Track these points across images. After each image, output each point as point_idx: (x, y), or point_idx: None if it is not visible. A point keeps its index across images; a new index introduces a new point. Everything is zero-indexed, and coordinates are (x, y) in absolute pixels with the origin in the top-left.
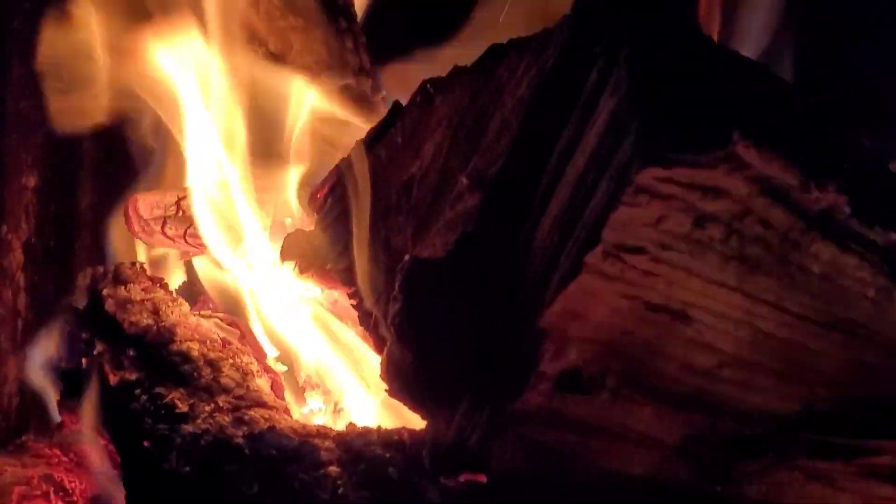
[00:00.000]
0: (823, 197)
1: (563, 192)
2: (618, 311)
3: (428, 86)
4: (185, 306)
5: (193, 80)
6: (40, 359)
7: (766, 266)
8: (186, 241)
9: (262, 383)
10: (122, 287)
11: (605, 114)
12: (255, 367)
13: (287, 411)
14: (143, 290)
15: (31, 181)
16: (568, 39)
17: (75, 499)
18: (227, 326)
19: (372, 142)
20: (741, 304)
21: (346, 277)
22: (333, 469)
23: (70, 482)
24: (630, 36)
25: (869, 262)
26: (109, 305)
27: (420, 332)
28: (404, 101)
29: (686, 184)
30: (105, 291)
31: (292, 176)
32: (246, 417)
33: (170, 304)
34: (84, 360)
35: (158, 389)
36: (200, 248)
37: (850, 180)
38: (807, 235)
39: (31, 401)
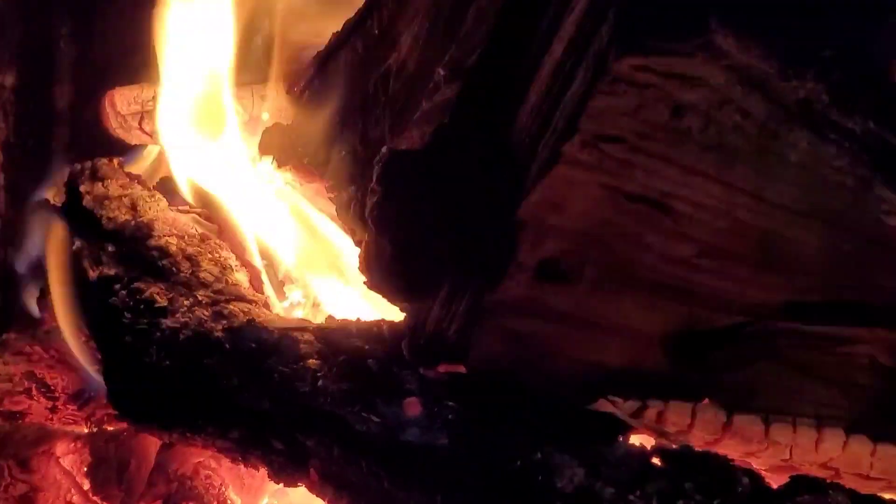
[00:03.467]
0: (802, 85)
1: (541, 81)
2: (596, 200)
3: None
4: (164, 202)
5: None
6: (20, 256)
7: (744, 155)
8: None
9: (240, 277)
10: (100, 183)
11: (582, 1)
12: (233, 261)
13: (266, 305)
14: (120, 186)
15: (9, 80)
16: None
17: (57, 395)
18: (206, 221)
19: (348, 33)
20: (719, 194)
21: (324, 170)
22: (313, 361)
23: (52, 378)
24: None
25: (847, 151)
26: (87, 201)
27: (398, 224)
28: None
29: (663, 72)
30: (83, 188)
31: (270, 69)
32: (225, 311)
33: (147, 199)
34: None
35: (137, 284)
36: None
37: (830, 68)
38: (785, 124)
39: (11, 298)
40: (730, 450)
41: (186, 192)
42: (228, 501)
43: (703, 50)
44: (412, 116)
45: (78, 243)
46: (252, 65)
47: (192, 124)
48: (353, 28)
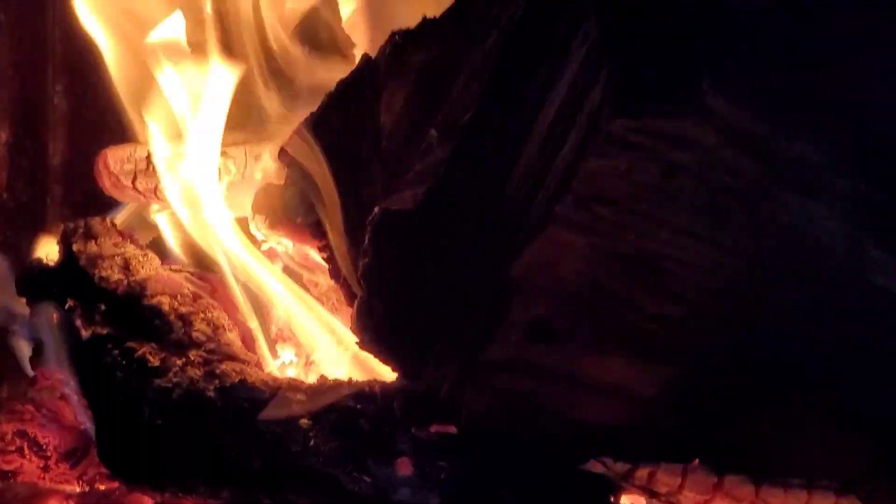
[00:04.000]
0: (793, 147)
1: (534, 142)
2: (588, 261)
3: (397, 37)
4: (156, 261)
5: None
6: (13, 314)
7: (735, 216)
8: (157, 196)
9: (233, 337)
10: (93, 242)
11: (575, 63)
12: (226, 320)
13: (259, 364)
14: (113, 244)
15: (3, 135)
16: None
17: (49, 453)
18: (198, 281)
19: (341, 94)
20: (711, 254)
21: (316, 231)
22: (305, 421)
23: (44, 437)
24: None
25: (838, 212)
26: (80, 260)
27: (390, 285)
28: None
29: (655, 134)
30: (76, 246)
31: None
32: (217, 371)
33: (140, 258)
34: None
35: (130, 344)
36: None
37: (821, 129)
38: (776, 185)
39: (3, 357)
40: None
41: (179, 250)
42: None
43: (695, 111)
44: (404, 177)
45: (70, 302)
46: (245, 124)
47: (186, 183)
48: (346, 88)
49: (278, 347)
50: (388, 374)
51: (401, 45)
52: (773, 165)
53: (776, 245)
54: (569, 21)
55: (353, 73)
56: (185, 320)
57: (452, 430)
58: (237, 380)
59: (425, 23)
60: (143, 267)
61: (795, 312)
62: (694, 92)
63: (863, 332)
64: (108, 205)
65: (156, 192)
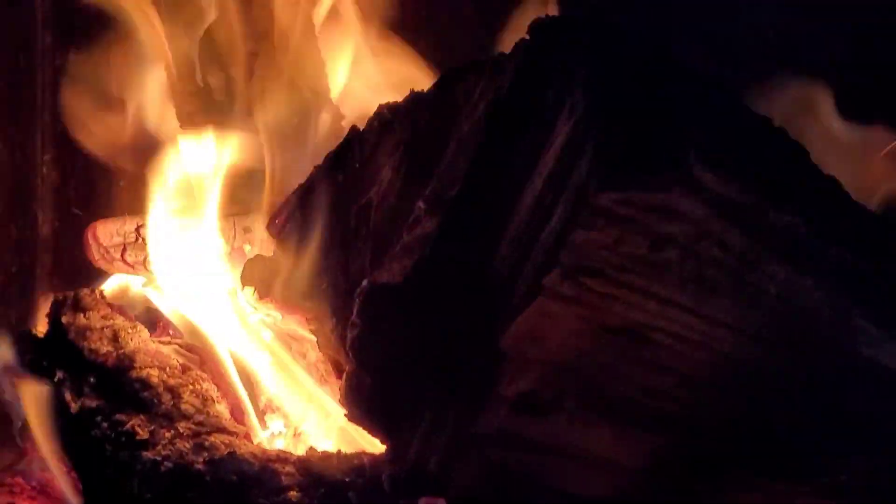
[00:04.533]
0: (780, 218)
1: (521, 214)
2: (576, 333)
3: (385, 110)
4: (145, 333)
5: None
6: (2, 386)
7: (722, 287)
8: (146, 268)
9: (221, 409)
10: (82, 314)
11: (562, 136)
12: (214, 392)
13: (248, 436)
14: (102, 317)
15: None
16: (524, 61)
17: None
18: (187, 352)
19: (329, 167)
20: (698, 326)
21: (305, 302)
22: (294, 494)
23: None
24: (586, 57)
25: (825, 283)
26: (69, 333)
27: (379, 357)
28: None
29: (643, 206)
30: (65, 319)
31: (253, 202)
32: (206, 443)
33: (129, 330)
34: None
35: (119, 416)
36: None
37: (807, 201)
38: (763, 257)
39: None
40: None
41: (168, 322)
42: None
43: (682, 183)
44: (393, 249)
45: (59, 374)
46: (234, 196)
47: (174, 256)
48: (334, 160)
49: (267, 418)
50: (376, 445)
51: (388, 118)
52: (761, 237)
53: (763, 316)
54: (556, 94)
55: (341, 144)
56: (174, 392)
57: (442, 501)
58: (226, 452)
59: (413, 96)
60: (131, 339)
61: (783, 383)
62: (680, 164)
63: (851, 402)
64: (97, 276)
65: (144, 264)
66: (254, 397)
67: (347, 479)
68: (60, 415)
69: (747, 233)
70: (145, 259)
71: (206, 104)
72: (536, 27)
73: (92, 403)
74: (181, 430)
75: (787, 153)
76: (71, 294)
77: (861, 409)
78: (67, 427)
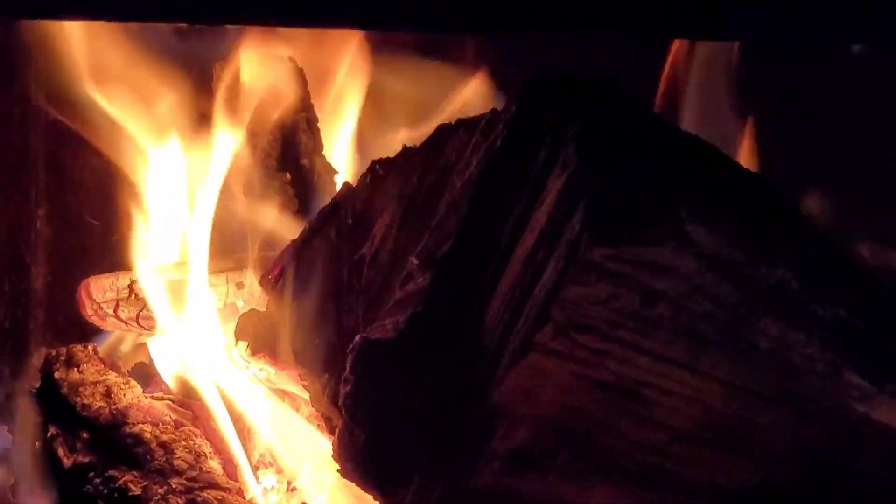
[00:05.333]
0: (772, 273)
1: (513, 270)
2: (568, 389)
3: (377, 166)
4: (138, 388)
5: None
6: None
7: (715, 342)
8: (139, 324)
9: (214, 465)
10: (75, 369)
11: (553, 192)
12: (207, 448)
13: (240, 492)
14: (95, 372)
15: None
16: (516, 118)
17: None
18: (180, 408)
19: (321, 223)
20: (691, 381)
21: (298, 358)
22: None
23: None
24: (578, 114)
25: (817, 338)
26: (62, 388)
27: (371, 413)
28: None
29: (634, 261)
30: (57, 374)
31: (246, 257)
32: (199, 499)
33: (122, 386)
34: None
35: (111, 472)
36: (153, 330)
37: (799, 256)
38: (755, 312)
39: None
40: None
41: (161, 378)
42: None
43: (674, 238)
44: (386, 305)
45: (52, 430)
46: (227, 252)
47: (168, 312)
48: (328, 216)
49: (260, 473)
50: (370, 501)
51: (381, 174)
52: (752, 291)
53: (755, 371)
54: (548, 150)
55: (334, 200)
56: (167, 448)
57: None
58: None
59: (405, 152)
60: (124, 395)
61: (776, 438)
62: (671, 219)
63: (844, 459)
64: (90, 331)
65: (138, 320)
66: (247, 452)
67: None
68: (53, 470)
69: (739, 288)
70: (138, 315)
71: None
72: (529, 83)
73: (85, 459)
74: (174, 486)
75: (777, 207)
76: (64, 349)
77: (854, 466)
78: (60, 483)
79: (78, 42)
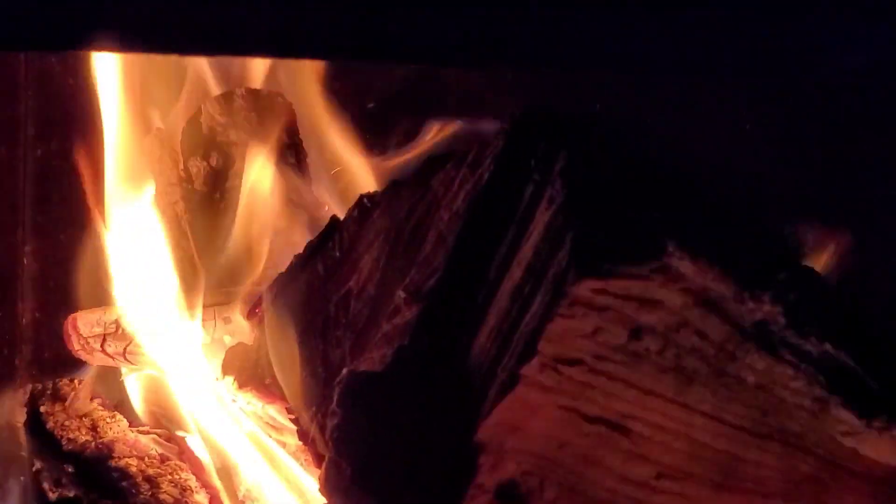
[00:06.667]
0: (758, 308)
1: (500, 304)
2: (555, 422)
3: (365, 199)
4: (124, 422)
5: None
6: None
7: (702, 377)
8: (126, 359)
9: (200, 498)
10: (61, 404)
11: (540, 226)
12: (193, 482)
13: None
14: (81, 406)
15: None
16: (503, 153)
17: None
18: (166, 442)
19: (309, 256)
20: (678, 416)
21: (285, 392)
22: None
23: None
24: (565, 150)
25: (804, 373)
26: (47, 423)
27: (358, 446)
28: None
29: (621, 295)
30: (43, 408)
31: (234, 292)
32: None
33: (108, 420)
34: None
35: None
36: (140, 365)
37: (785, 291)
38: (742, 346)
39: None
40: None
41: (148, 412)
42: None
43: (661, 273)
44: (373, 338)
45: (38, 464)
46: (214, 286)
47: (153, 344)
48: (315, 250)
49: None
50: None
51: (368, 207)
52: (739, 326)
53: (743, 406)
54: (535, 184)
55: (321, 234)
56: (153, 482)
57: None
58: None
59: (392, 185)
60: (110, 429)
61: (764, 474)
62: (659, 253)
63: (832, 495)
64: (77, 365)
65: (125, 354)
66: (232, 487)
67: None
68: None
69: (726, 322)
70: (125, 349)
71: (186, 193)
72: (516, 118)
73: (70, 493)
74: None
75: (764, 242)
76: (50, 384)
77: (844, 502)
78: None
79: None
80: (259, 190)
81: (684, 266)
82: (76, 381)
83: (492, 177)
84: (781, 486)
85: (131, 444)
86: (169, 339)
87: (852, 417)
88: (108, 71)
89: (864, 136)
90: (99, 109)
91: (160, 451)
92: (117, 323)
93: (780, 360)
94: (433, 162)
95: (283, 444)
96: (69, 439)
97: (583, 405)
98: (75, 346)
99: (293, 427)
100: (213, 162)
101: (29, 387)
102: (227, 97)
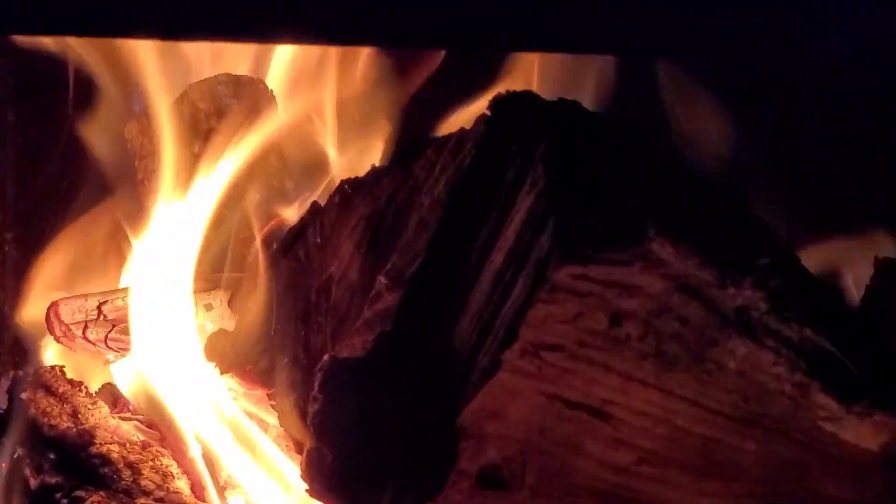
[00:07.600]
0: (739, 293)
1: (482, 289)
2: (536, 408)
3: (345, 185)
4: (105, 409)
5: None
6: None
7: (683, 362)
8: (108, 345)
9: (182, 485)
10: (42, 390)
11: (522, 211)
12: (175, 468)
13: None
14: (62, 393)
15: None
16: (484, 137)
17: None
18: (147, 428)
19: (291, 242)
20: (659, 401)
21: (266, 378)
22: None
23: None
24: (547, 134)
25: (785, 358)
26: (29, 409)
27: (340, 432)
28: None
29: (603, 280)
30: (25, 395)
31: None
32: None
33: (89, 406)
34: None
35: (78, 493)
36: (122, 351)
37: (766, 276)
38: (723, 332)
39: None
40: None
41: (129, 398)
42: None
43: (642, 258)
44: (354, 324)
45: (19, 451)
46: (197, 273)
47: (136, 332)
48: (296, 236)
49: (227, 494)
50: None
51: (349, 194)
52: (721, 312)
53: (724, 391)
54: (517, 170)
55: (302, 220)
56: (134, 468)
57: None
58: None
59: (373, 171)
60: (92, 415)
61: (745, 459)
62: (640, 239)
63: (813, 479)
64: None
65: (106, 341)
66: (214, 473)
67: None
68: (20, 492)
69: (707, 308)
70: (107, 336)
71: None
72: (497, 103)
73: (51, 480)
74: None
75: (747, 227)
76: (31, 370)
77: (825, 486)
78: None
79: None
80: (243, 176)
81: (665, 252)
82: (57, 368)
83: (473, 161)
84: (762, 471)
85: (112, 430)
86: (151, 325)
87: (833, 402)
88: (92, 55)
89: (849, 121)
90: (82, 95)
91: (142, 437)
92: (99, 310)
93: (761, 345)
94: (414, 146)
95: (265, 430)
96: (50, 426)
97: (564, 391)
98: (57, 332)
99: (275, 413)
100: (196, 149)
101: (10, 374)
102: (208, 83)
